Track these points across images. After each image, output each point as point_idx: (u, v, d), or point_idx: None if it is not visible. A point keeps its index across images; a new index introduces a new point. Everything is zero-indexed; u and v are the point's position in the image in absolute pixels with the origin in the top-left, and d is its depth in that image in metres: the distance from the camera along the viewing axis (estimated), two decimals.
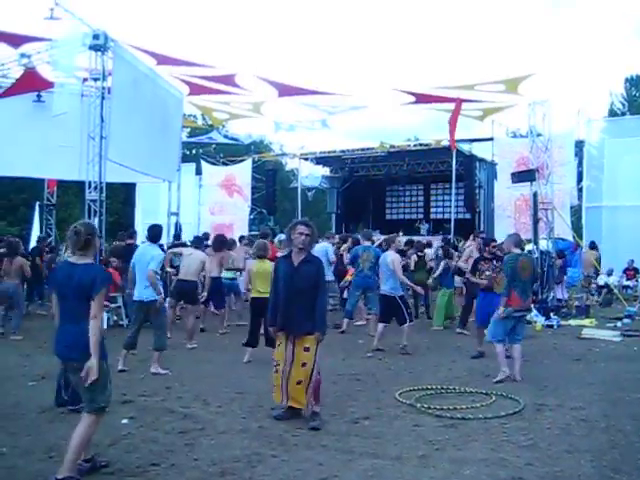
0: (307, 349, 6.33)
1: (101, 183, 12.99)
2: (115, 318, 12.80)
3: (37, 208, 21.81)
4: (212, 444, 5.65)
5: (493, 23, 76.92)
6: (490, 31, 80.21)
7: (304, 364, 6.32)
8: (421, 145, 26.19)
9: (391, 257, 10.47)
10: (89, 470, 4.85)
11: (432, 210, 29.53)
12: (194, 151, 39.53)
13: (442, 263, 13.51)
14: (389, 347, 10.50)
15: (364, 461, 5.27)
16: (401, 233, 23.11)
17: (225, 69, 14.94)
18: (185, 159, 24.38)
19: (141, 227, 19.35)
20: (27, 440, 5.68)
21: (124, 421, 6.28)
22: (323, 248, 13.02)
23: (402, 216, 30.25)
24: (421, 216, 29.09)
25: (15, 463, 5.10)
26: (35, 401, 6.99)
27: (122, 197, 31.39)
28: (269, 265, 8.64)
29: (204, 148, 39.63)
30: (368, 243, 12.59)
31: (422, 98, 16.73)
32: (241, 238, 15.87)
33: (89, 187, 13.10)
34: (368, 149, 26.35)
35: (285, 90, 15.99)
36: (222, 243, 12.54)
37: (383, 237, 14.35)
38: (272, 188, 27.17)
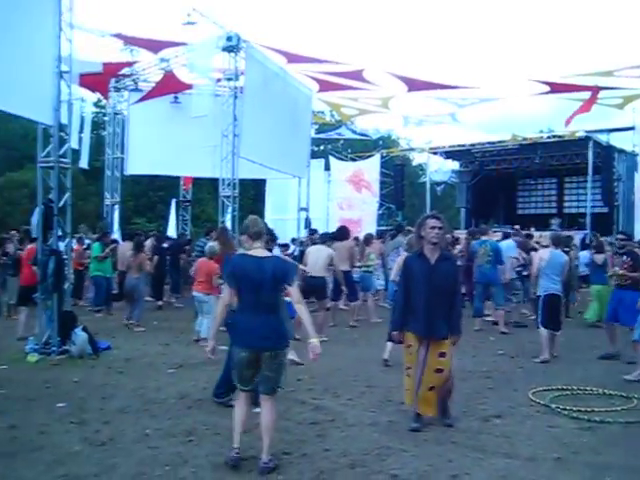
0: (443, 354, 5.94)
1: (234, 179, 13.46)
2: None
3: (173, 205, 22.79)
4: (342, 436, 5.73)
5: (633, 3, 72.64)
6: (630, 12, 75.94)
7: (439, 370, 5.94)
8: (555, 137, 25.19)
9: (566, 259, 9.89)
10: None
11: (566, 204, 28.42)
12: (322, 147, 40.02)
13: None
14: (520, 345, 10.21)
15: (496, 460, 5.16)
16: (532, 229, 22.41)
17: (354, 65, 15.03)
18: (313, 155, 24.75)
19: (271, 223, 19.83)
20: (168, 423, 6.00)
21: (256, 410, 6.45)
22: (507, 245, 12.97)
23: (534, 211, 29.32)
24: (554, 211, 28.07)
25: (158, 444, 5.39)
26: (174, 387, 7.39)
27: (252, 193, 32.26)
28: None
29: (332, 144, 40.03)
30: (485, 237, 12.32)
31: (557, 87, 16.08)
32: (381, 235, 15.93)
33: (223, 184, 13.59)
34: (499, 142, 25.75)
35: (414, 84, 15.87)
36: (346, 233, 12.65)
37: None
38: (400, 183, 27.09)
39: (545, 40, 74.99)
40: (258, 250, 5.04)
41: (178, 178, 21.88)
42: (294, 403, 6.76)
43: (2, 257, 12.65)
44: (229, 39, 13.28)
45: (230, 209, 13.57)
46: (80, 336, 9.18)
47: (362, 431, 5.88)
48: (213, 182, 23.89)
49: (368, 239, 13.87)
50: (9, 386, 7.49)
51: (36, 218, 9.60)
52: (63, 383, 7.65)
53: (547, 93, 16.67)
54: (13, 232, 17.23)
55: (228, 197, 13.61)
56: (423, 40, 76.11)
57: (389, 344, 8.62)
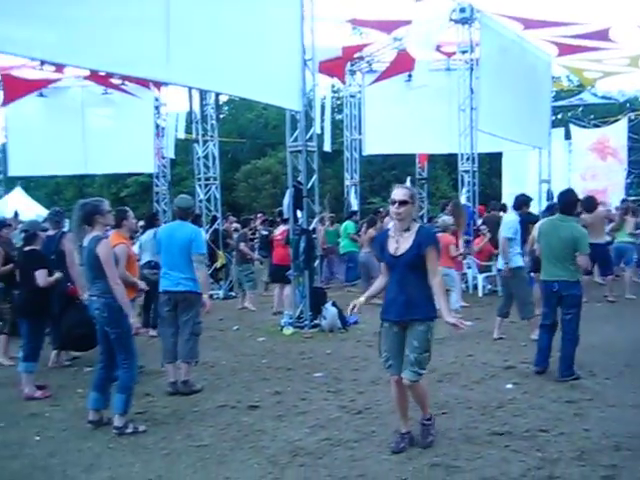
0: None
1: (473, 154, 13.31)
2: (490, 286, 13.01)
3: (408, 183, 22.98)
4: (602, 416, 5.45)
5: None
6: None
7: None
8: None
9: None
10: None
11: None
12: (560, 115, 38.00)
13: None
14: None
15: None
16: None
17: (598, 24, 14.04)
18: (552, 124, 23.63)
19: (508, 197, 19.25)
20: None
21: (508, 386, 6.40)
22: None
23: None
24: None
25: (411, 415, 5.43)
26: None
27: (486, 168, 31.56)
28: None
29: (571, 111, 37.88)
30: None
31: None
32: (623, 201, 14.78)
33: (462, 158, 13.49)
34: None
35: None
36: (594, 203, 11.86)
37: None
38: None
39: None
40: None
41: (412, 156, 21.99)
42: (547, 380, 6.57)
43: (252, 237, 13.62)
44: (462, 10, 13.07)
45: (469, 184, 13.44)
46: (330, 311, 9.69)
47: (624, 412, 5.54)
48: (447, 158, 23.72)
49: (632, 209, 12.96)
50: (270, 356, 8.16)
51: (287, 200, 10.23)
52: (317, 355, 8.15)
53: None
54: (259, 214, 18.68)
55: (467, 172, 13.50)
56: None
57: None
